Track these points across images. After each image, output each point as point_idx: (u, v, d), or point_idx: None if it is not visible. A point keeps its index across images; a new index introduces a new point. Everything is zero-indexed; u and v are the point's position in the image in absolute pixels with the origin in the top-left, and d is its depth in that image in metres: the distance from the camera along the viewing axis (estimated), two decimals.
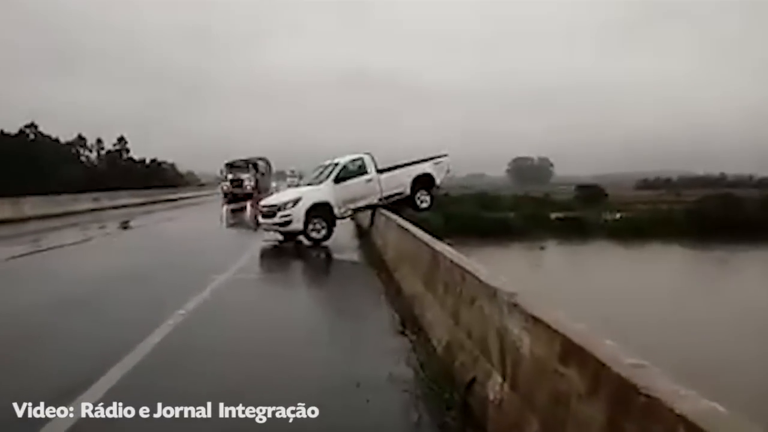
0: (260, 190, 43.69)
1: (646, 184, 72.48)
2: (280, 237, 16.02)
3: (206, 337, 6.73)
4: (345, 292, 9.86)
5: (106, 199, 36.73)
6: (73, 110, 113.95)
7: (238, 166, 43.88)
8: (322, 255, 14.60)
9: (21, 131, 59.83)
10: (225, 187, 43.20)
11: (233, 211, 33.10)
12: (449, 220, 38.68)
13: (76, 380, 4.94)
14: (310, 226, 15.42)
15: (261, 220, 15.96)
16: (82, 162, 67.39)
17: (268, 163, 52.31)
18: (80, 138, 66.09)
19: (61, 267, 12.42)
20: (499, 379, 4.37)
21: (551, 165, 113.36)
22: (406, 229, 10.16)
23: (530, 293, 4.59)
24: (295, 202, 15.47)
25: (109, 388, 4.85)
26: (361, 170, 16.33)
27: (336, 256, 14.63)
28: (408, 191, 16.71)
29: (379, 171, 16.49)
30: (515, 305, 4.29)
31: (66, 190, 42.29)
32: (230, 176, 43.10)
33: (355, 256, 14.01)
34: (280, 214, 15.39)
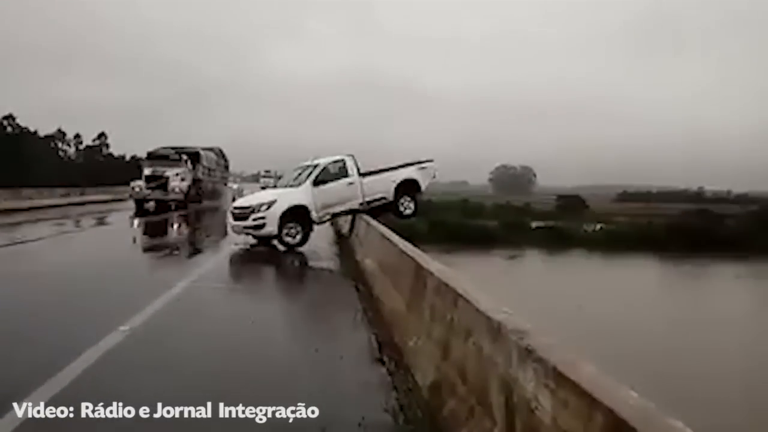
0: (203, 194, 31.86)
1: (625, 196, 72.32)
2: (252, 241, 14.85)
3: (148, 357, 5.59)
4: (317, 309, 8.71)
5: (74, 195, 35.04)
6: (63, 107, 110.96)
7: (163, 157, 28.71)
8: (296, 262, 13.46)
9: None
10: (136, 189, 27.50)
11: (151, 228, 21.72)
12: (433, 227, 38.03)
13: None
14: (285, 231, 14.25)
15: (232, 222, 14.76)
16: (60, 156, 65.45)
17: (221, 156, 39.29)
18: (60, 132, 64.19)
19: None
20: None
21: (534, 175, 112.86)
22: (389, 239, 9.09)
23: (542, 331, 3.57)
24: (270, 204, 14.29)
25: None
26: (343, 173, 15.21)
27: (312, 263, 13.50)
28: (391, 197, 15.62)
29: (362, 174, 15.38)
30: (529, 351, 3.23)
31: (40, 184, 40.92)
32: (148, 172, 27.51)
33: (332, 264, 12.87)
34: (253, 216, 14.21)
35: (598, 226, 44.94)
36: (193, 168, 30.44)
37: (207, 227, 22.53)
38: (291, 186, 15.11)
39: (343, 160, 15.30)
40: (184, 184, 27.93)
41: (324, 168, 15.03)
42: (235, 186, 48.91)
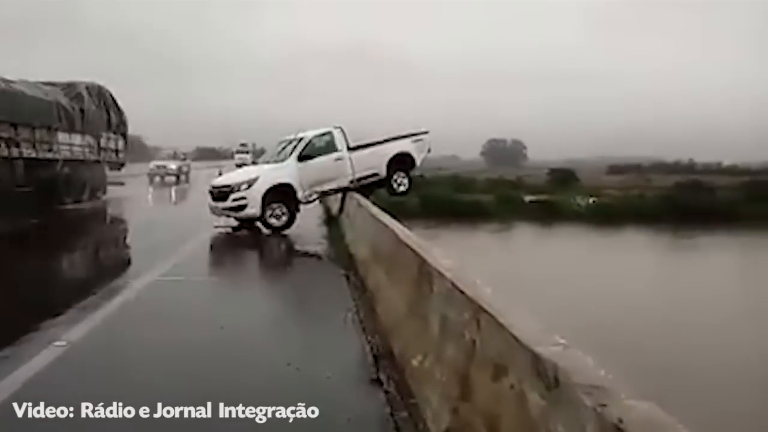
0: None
1: (616, 169, 71.30)
2: (234, 223, 13.50)
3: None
4: (301, 307, 7.40)
5: None
6: (44, 74, 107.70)
7: None
8: (281, 247, 12.16)
9: None
10: None
11: None
12: (425, 202, 36.84)
13: None
14: (269, 212, 12.90)
15: (211, 203, 13.38)
16: None
17: (99, 101, 20.20)
18: None
19: None
20: None
21: (524, 148, 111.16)
22: (383, 222, 7.77)
23: (623, 386, 2.30)
24: (251, 182, 12.90)
25: None
26: (330, 147, 13.81)
27: (298, 247, 12.21)
28: (384, 172, 14.25)
29: (351, 149, 13.99)
30: (619, 428, 1.96)
31: None
32: None
33: (320, 249, 11.54)
34: (233, 196, 12.84)
35: (591, 200, 43.97)
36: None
37: None
38: (274, 162, 13.72)
39: (330, 132, 13.90)
40: None
41: (309, 142, 13.61)
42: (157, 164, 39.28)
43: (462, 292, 3.92)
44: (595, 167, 71.53)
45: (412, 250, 5.64)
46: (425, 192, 38.22)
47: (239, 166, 41.83)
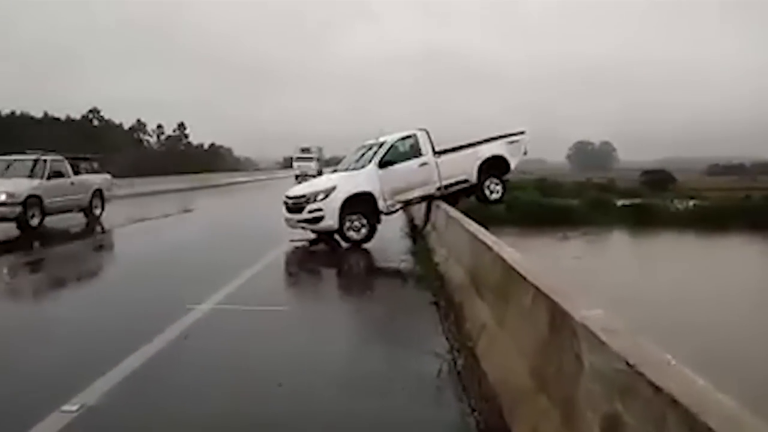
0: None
1: (717, 169, 65.48)
2: (311, 236, 12.11)
3: None
4: (382, 347, 5.75)
5: (151, 185, 33.19)
6: (138, 97, 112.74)
7: None
8: (360, 264, 10.62)
9: (84, 116, 58.29)
10: None
11: None
12: (510, 207, 34.42)
13: None
14: (347, 224, 11.43)
15: (286, 215, 12.05)
16: (144, 146, 65.79)
17: None
18: (140, 123, 64.40)
19: None
20: None
21: (614, 149, 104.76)
22: (484, 243, 6.00)
23: None
24: (328, 192, 11.48)
25: None
26: (414, 152, 12.17)
27: (380, 264, 10.63)
28: (474, 178, 12.44)
29: (437, 153, 12.28)
30: None
31: (128, 174, 40.17)
32: None
33: (404, 267, 9.82)
34: (308, 207, 11.45)
35: (691, 203, 40.03)
36: None
37: None
38: (353, 169, 12.22)
39: (414, 135, 12.24)
40: None
41: (392, 146, 12.02)
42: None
43: (652, 384, 2.15)
44: (692, 168, 66.12)
45: (536, 288, 3.87)
46: (511, 196, 35.89)
47: (300, 177, 37.79)
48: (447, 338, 5.78)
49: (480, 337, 5.13)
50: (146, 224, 17.13)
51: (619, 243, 32.27)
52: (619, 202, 39.95)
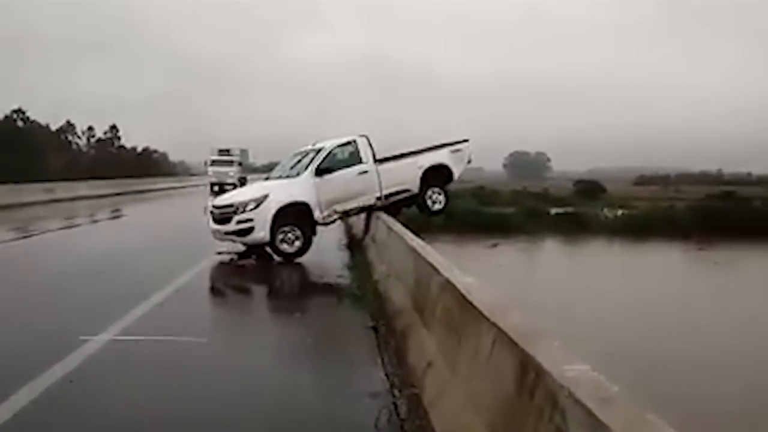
0: None
1: (643, 179, 67.93)
2: (240, 248, 11.03)
3: None
4: (310, 388, 4.82)
5: (61, 191, 30.52)
6: (71, 100, 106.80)
7: None
8: (293, 280, 9.66)
9: (7, 116, 54.46)
10: None
11: None
12: (449, 215, 34.16)
13: None
14: (280, 236, 10.43)
15: (212, 226, 10.93)
16: (72, 149, 62.15)
17: None
18: (69, 124, 60.86)
19: None
20: None
21: (548, 159, 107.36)
22: (431, 265, 5.20)
23: None
24: (259, 201, 10.45)
25: None
26: (354, 159, 11.32)
27: (314, 280, 9.71)
28: (416, 188, 11.71)
29: (378, 161, 11.48)
30: None
31: (52, 178, 37.43)
32: None
33: (341, 283, 8.88)
34: (237, 218, 10.38)
35: (619, 212, 41.08)
36: None
37: None
38: (287, 177, 11.23)
39: (353, 141, 11.39)
40: None
41: (330, 153, 11.12)
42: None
43: None
44: (621, 178, 68.27)
45: (498, 328, 3.10)
46: (450, 205, 35.55)
47: (216, 187, 33.65)
48: (386, 374, 4.95)
49: (426, 376, 4.30)
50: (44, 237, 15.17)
51: (548, 250, 32.55)
52: (553, 211, 40.54)
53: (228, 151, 37.81)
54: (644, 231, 35.15)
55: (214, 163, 37.17)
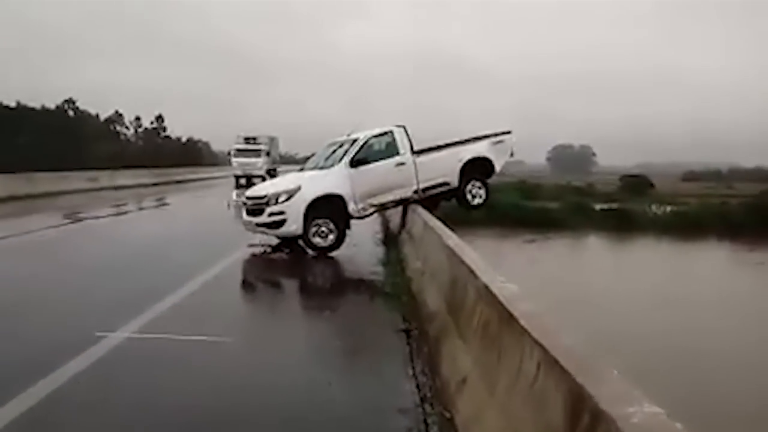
0: None
1: (692, 175, 65.18)
2: (273, 240, 10.73)
3: None
4: (336, 400, 4.40)
5: (119, 178, 31.31)
6: (119, 90, 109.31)
7: None
8: (325, 275, 9.29)
9: (58, 107, 55.92)
10: None
11: None
12: (490, 209, 33.33)
13: None
14: (313, 229, 10.07)
15: (244, 218, 10.65)
16: (120, 139, 63.53)
17: None
18: (117, 114, 62.05)
19: None
20: None
21: (593, 153, 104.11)
22: (469, 267, 4.70)
23: None
24: (292, 193, 10.10)
25: None
26: (390, 150, 10.85)
27: (347, 276, 9.33)
28: (455, 181, 11.17)
29: (416, 152, 10.98)
30: None
31: (100, 167, 38.34)
32: None
33: (374, 280, 8.43)
34: (269, 210, 10.06)
35: (668, 208, 39.43)
36: None
37: None
38: (321, 168, 10.86)
39: (390, 132, 10.91)
40: None
41: (365, 144, 10.68)
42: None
43: None
44: (669, 173, 65.80)
45: (545, 351, 2.60)
46: (492, 199, 34.70)
47: (243, 180, 30.78)
48: (417, 385, 4.50)
49: (460, 394, 3.83)
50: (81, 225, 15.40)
51: (593, 247, 31.43)
52: (598, 206, 39.20)
53: (255, 139, 33.79)
54: (694, 229, 33.68)
55: (238, 152, 33.19)
